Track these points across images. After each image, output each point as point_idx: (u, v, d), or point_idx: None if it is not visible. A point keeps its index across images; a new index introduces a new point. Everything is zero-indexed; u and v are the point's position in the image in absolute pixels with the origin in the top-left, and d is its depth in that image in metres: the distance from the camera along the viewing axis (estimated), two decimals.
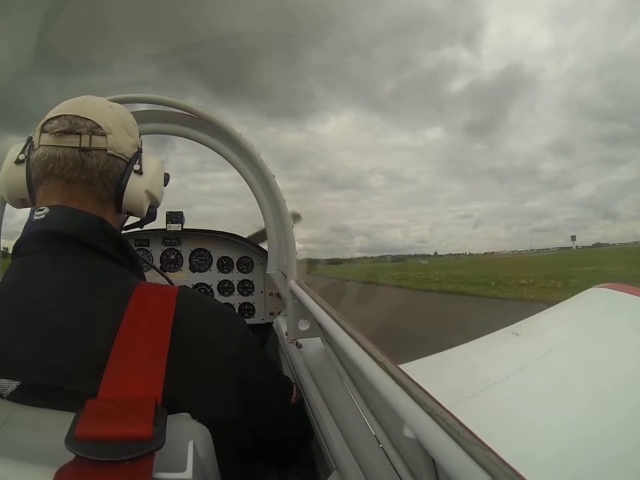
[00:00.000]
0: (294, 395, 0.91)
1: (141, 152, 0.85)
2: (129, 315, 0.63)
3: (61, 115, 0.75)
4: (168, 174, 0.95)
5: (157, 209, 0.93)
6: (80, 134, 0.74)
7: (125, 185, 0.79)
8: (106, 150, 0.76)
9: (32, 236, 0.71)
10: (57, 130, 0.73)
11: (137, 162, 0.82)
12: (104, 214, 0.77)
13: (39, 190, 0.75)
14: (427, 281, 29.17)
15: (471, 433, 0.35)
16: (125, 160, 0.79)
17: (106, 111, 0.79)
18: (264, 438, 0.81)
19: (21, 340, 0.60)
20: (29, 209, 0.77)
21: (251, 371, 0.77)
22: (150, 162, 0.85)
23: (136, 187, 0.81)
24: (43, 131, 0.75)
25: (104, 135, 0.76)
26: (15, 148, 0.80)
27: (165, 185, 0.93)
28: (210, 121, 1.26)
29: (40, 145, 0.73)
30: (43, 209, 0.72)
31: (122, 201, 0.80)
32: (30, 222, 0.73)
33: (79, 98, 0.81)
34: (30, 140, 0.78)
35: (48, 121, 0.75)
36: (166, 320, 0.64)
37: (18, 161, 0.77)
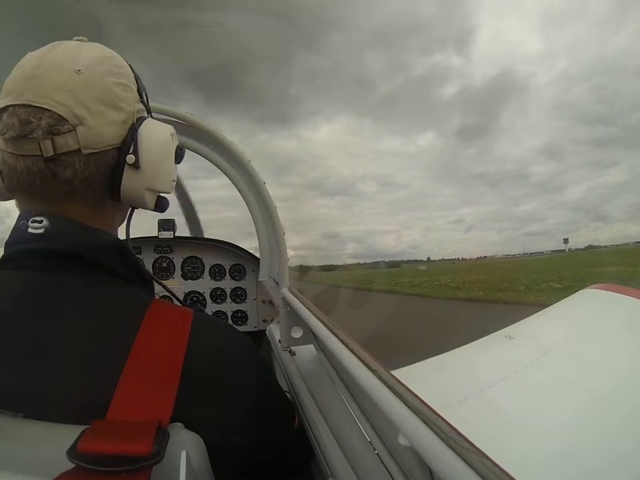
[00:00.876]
0: (297, 420, 0.87)
1: (137, 129, 0.62)
2: (140, 341, 0.56)
3: (8, 106, 0.55)
4: (180, 148, 0.73)
5: (168, 196, 0.73)
6: (37, 140, 0.54)
7: (119, 184, 0.62)
8: (79, 150, 0.57)
9: (28, 253, 0.59)
10: (7, 136, 0.55)
11: (131, 150, 0.61)
12: (105, 218, 0.65)
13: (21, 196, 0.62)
14: (444, 287, 26.68)
15: (467, 440, 0.35)
16: (113, 148, 0.60)
17: (70, 83, 0.56)
18: (267, 461, 0.74)
19: (21, 368, 0.52)
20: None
21: (264, 401, 0.71)
22: (151, 142, 0.64)
23: (133, 185, 0.63)
24: None
25: (72, 129, 0.55)
26: None
27: (178, 162, 0.73)
28: (200, 129, 1.26)
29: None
30: (41, 221, 0.58)
31: (119, 198, 0.63)
32: (22, 231, 0.59)
33: (35, 59, 0.57)
34: None
35: None
36: (179, 346, 0.58)
37: None
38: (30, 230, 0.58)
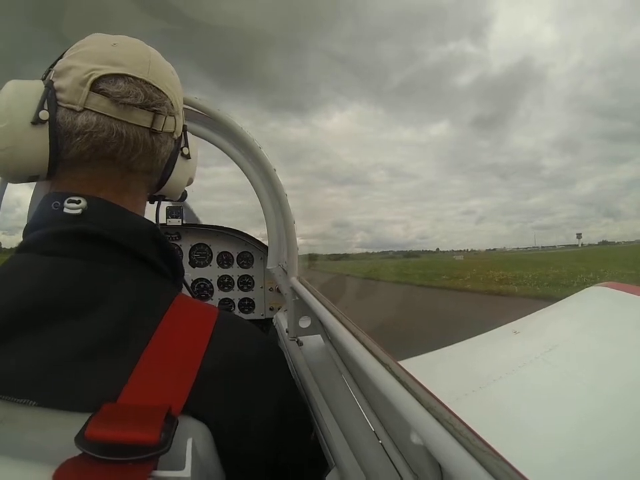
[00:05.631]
0: (312, 434, 0.83)
1: (187, 127, 0.71)
2: (159, 334, 0.54)
3: (127, 75, 0.56)
4: None
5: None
6: (156, 113, 0.58)
7: (171, 173, 0.66)
8: (172, 134, 0.63)
9: (61, 235, 0.56)
10: (127, 101, 0.55)
11: (186, 142, 0.69)
12: (136, 205, 0.64)
13: (74, 171, 0.58)
14: (525, 282, 23.68)
15: (482, 440, 0.34)
16: (177, 139, 0.67)
17: (172, 79, 0.63)
18: (279, 470, 0.68)
19: (34, 357, 0.50)
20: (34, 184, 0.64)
21: (283, 409, 0.65)
22: (191, 136, 0.73)
23: (181, 174, 0.69)
24: (98, 90, 0.55)
25: (173, 115, 0.62)
26: (23, 94, 0.55)
27: None
28: (210, 114, 1.24)
29: (90, 110, 0.55)
30: (79, 201, 0.56)
31: (162, 185, 0.67)
32: (54, 212, 0.56)
33: (139, 46, 0.61)
34: (50, 87, 0.55)
35: (106, 77, 0.55)
36: (199, 343, 0.56)
37: (37, 121, 0.54)
38: (66, 210, 0.56)
